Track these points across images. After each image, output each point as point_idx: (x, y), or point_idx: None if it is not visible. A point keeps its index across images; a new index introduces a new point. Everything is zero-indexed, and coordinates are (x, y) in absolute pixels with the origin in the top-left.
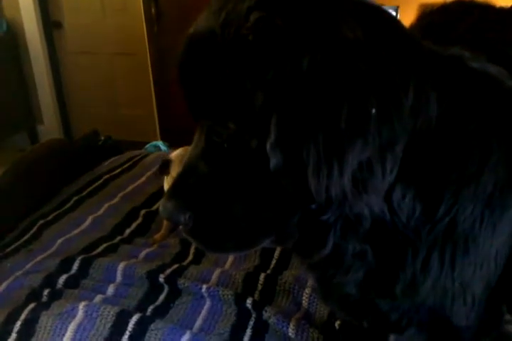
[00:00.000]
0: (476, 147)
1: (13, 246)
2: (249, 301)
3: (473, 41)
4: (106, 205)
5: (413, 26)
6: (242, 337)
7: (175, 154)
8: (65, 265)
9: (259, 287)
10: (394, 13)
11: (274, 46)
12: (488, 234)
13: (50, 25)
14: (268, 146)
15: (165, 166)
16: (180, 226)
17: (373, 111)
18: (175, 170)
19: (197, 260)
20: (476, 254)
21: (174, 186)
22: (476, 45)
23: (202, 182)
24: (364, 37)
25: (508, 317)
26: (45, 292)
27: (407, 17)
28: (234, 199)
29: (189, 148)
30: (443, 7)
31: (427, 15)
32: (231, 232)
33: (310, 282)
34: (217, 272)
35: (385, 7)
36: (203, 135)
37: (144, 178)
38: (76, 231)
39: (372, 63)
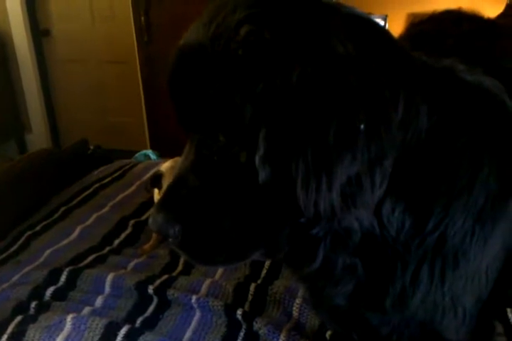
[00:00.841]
0: (467, 160)
1: (0, 257)
2: (239, 312)
3: (464, 52)
4: (95, 215)
5: (402, 36)
6: None
7: (165, 166)
8: (52, 277)
9: (250, 297)
10: (382, 22)
11: (263, 60)
12: (479, 248)
13: (39, 32)
14: (257, 160)
15: (156, 179)
16: (170, 239)
17: (362, 126)
18: (167, 184)
19: (187, 270)
20: (467, 268)
21: (164, 198)
22: (468, 56)
23: (192, 194)
24: (354, 50)
25: (499, 329)
26: (33, 304)
27: (395, 26)
28: (224, 212)
29: (179, 160)
30: (432, 17)
31: (416, 26)
32: (220, 245)
33: (301, 292)
34: (207, 282)
35: (374, 16)
36: (193, 148)
37: (133, 188)
38: (64, 242)
39: (362, 78)
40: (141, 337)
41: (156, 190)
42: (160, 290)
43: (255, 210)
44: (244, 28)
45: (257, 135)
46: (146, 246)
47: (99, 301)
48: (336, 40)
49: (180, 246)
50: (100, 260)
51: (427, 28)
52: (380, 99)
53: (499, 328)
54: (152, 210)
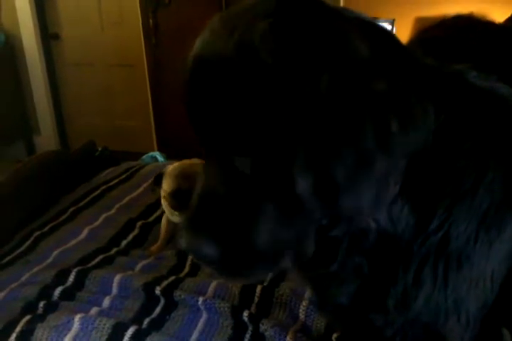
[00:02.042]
0: (472, 163)
1: (9, 258)
2: (245, 314)
3: (477, 58)
4: (102, 216)
5: (413, 41)
6: None
7: (171, 167)
8: (60, 277)
9: (256, 299)
10: (389, 27)
11: (294, 69)
12: (484, 252)
13: (48, 36)
14: (295, 169)
15: (159, 179)
16: (204, 261)
17: (394, 129)
18: (166, 184)
19: (193, 272)
20: (471, 272)
21: (194, 219)
22: (482, 62)
23: (223, 212)
24: (372, 55)
25: (507, 338)
26: (41, 304)
27: (402, 30)
28: (258, 227)
29: (186, 162)
30: (443, 22)
31: (427, 31)
32: (258, 259)
33: (307, 294)
34: (213, 284)
35: (381, 20)
36: (217, 164)
37: (140, 189)
38: (72, 243)
39: (387, 82)
40: (148, 338)
41: (162, 193)
42: (167, 292)
43: (289, 220)
44: (271, 37)
45: (292, 146)
46: (154, 248)
47: (106, 302)
48: (359, 45)
49: (220, 266)
50: (108, 261)
51: (439, 34)
52: (408, 101)
53: (507, 336)
54: (182, 232)
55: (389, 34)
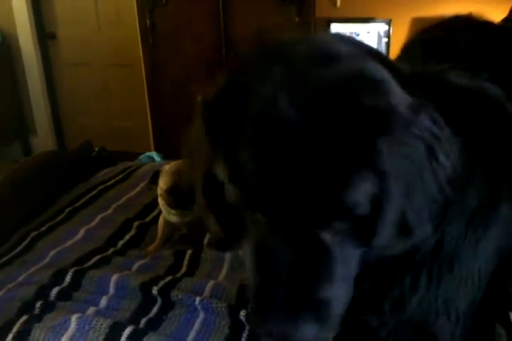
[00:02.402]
0: (460, 163)
1: (5, 258)
2: (242, 313)
3: (475, 58)
4: (99, 217)
5: (412, 41)
6: None
7: (168, 166)
8: (57, 277)
9: None
10: (386, 27)
11: (372, 123)
12: (471, 251)
13: (45, 36)
14: (379, 225)
15: (156, 177)
16: None
17: (442, 159)
18: (163, 181)
19: (190, 272)
20: (460, 271)
21: (278, 299)
22: (479, 62)
23: (306, 283)
24: (411, 100)
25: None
26: (38, 304)
27: (399, 30)
28: (338, 289)
29: (182, 162)
30: (442, 23)
31: (426, 31)
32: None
33: None
34: (210, 284)
35: (378, 20)
36: (290, 236)
37: (137, 189)
38: (69, 243)
39: (430, 120)
40: (145, 338)
41: (158, 191)
42: (164, 292)
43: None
44: (346, 97)
45: (378, 206)
46: (150, 248)
47: (103, 302)
48: (401, 95)
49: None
50: (105, 261)
51: (438, 34)
52: (443, 131)
53: (503, 336)
54: (268, 322)
55: (387, 58)
